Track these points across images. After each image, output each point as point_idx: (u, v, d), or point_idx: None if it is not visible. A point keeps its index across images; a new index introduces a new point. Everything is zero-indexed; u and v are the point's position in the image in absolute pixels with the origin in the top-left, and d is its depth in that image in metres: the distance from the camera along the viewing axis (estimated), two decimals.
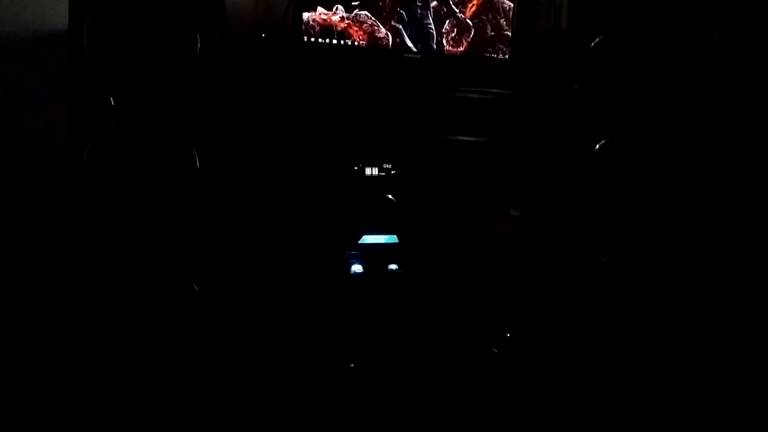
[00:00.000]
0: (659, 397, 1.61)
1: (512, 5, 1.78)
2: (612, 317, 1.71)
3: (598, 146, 1.63)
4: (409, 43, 1.70)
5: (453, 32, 1.74)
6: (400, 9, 1.68)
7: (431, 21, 1.71)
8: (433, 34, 1.72)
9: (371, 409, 1.47)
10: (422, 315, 1.63)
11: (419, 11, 1.70)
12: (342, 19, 1.63)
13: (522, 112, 1.72)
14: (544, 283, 1.72)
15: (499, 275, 1.71)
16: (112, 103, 1.33)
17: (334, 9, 1.62)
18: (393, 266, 1.59)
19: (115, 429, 1.34)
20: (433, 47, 1.72)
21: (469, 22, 1.75)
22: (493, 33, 1.77)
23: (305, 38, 1.60)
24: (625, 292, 1.71)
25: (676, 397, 1.61)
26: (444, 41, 1.73)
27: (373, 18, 1.66)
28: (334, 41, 1.63)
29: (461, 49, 1.75)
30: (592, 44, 1.63)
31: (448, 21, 1.73)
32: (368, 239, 1.59)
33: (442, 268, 1.66)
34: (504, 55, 1.79)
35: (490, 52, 1.78)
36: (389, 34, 1.68)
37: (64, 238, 1.41)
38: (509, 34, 1.79)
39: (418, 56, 1.71)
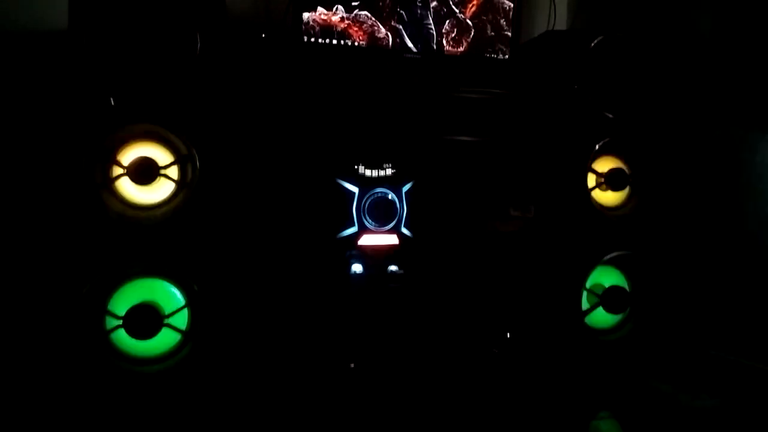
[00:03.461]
0: (659, 397, 1.61)
1: (512, 5, 1.78)
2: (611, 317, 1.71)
3: (598, 146, 1.64)
4: (409, 44, 1.70)
5: (453, 32, 1.74)
6: (400, 9, 1.68)
7: (431, 21, 1.71)
8: (433, 34, 1.72)
9: (371, 410, 1.47)
10: (422, 315, 1.63)
11: (419, 11, 1.70)
12: (342, 19, 1.63)
13: (522, 113, 1.72)
14: (544, 283, 1.72)
15: (499, 275, 1.71)
16: (112, 103, 1.33)
17: (334, 9, 1.62)
18: (393, 267, 1.59)
19: (112, 428, 1.34)
20: (433, 47, 1.72)
21: (469, 23, 1.75)
22: (493, 33, 1.77)
23: (305, 38, 1.60)
24: (625, 291, 1.72)
25: (675, 397, 1.61)
26: (444, 41, 1.73)
27: (373, 18, 1.66)
28: (334, 41, 1.63)
29: (461, 49, 1.75)
30: (592, 44, 1.63)
31: (448, 21, 1.73)
32: (368, 239, 1.59)
33: (442, 268, 1.66)
34: (504, 55, 1.79)
35: (490, 52, 1.78)
36: (389, 34, 1.68)
37: (64, 239, 1.41)
38: (509, 34, 1.79)
39: (418, 56, 1.71)
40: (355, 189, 1.57)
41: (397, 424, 1.42)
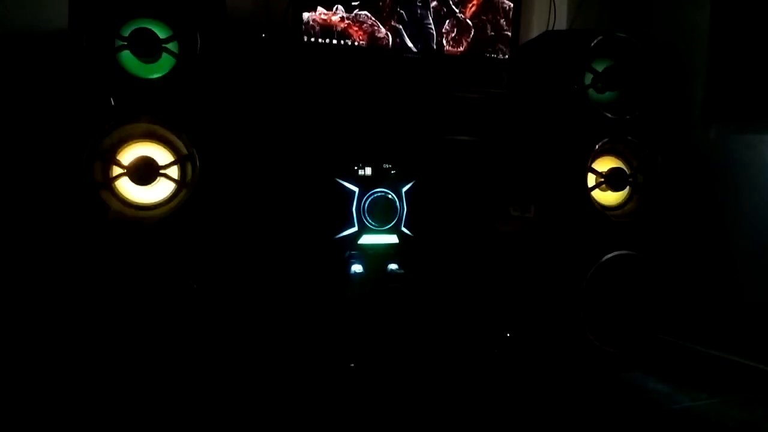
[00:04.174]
0: (657, 395, 1.61)
1: (512, 5, 1.78)
2: (609, 316, 1.71)
3: (597, 146, 1.64)
4: (409, 43, 1.70)
5: (453, 32, 1.74)
6: (400, 9, 1.68)
7: (431, 21, 1.71)
8: (433, 34, 1.72)
9: (371, 409, 1.47)
10: (422, 315, 1.63)
11: (419, 11, 1.70)
12: (342, 19, 1.63)
13: (522, 113, 1.72)
14: (544, 283, 1.72)
15: (499, 275, 1.71)
16: (112, 103, 1.33)
17: (334, 9, 1.62)
18: (393, 266, 1.59)
19: (115, 429, 1.34)
20: (433, 47, 1.72)
21: (469, 22, 1.75)
22: (493, 33, 1.77)
23: (305, 38, 1.60)
24: (624, 291, 1.72)
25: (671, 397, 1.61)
26: (444, 41, 1.73)
27: (373, 18, 1.66)
28: (334, 41, 1.63)
29: (461, 49, 1.75)
30: (592, 44, 1.63)
31: (448, 21, 1.73)
32: (368, 239, 1.59)
33: (441, 268, 1.66)
34: (504, 55, 1.79)
35: (490, 52, 1.78)
36: (389, 34, 1.68)
37: (64, 238, 1.41)
38: (509, 34, 1.79)
39: (418, 56, 1.71)
40: (355, 189, 1.56)
41: (396, 424, 1.42)
